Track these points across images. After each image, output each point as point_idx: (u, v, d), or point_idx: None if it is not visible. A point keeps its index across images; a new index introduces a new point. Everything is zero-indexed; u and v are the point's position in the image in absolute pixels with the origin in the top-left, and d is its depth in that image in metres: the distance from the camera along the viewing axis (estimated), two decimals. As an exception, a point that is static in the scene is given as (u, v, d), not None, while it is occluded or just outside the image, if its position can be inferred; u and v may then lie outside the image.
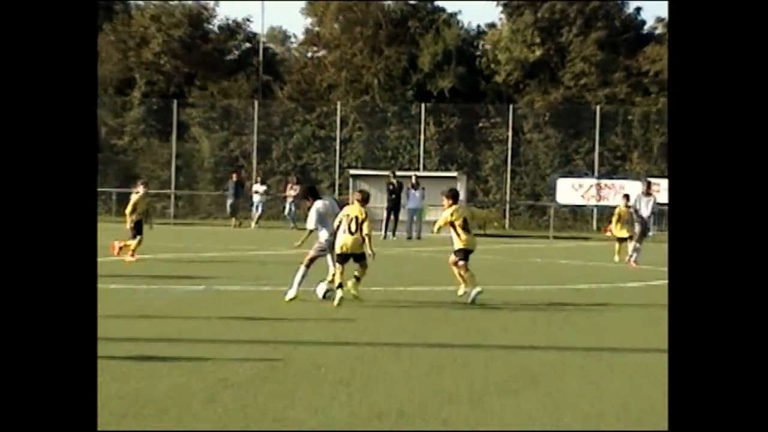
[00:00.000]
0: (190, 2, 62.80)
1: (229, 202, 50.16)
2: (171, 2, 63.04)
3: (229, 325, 14.32)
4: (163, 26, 60.92)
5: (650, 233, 31.03)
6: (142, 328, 13.87)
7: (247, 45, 64.97)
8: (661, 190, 42.28)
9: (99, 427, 8.05)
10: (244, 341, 12.89)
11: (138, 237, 24.68)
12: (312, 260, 17.53)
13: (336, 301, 16.60)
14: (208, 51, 62.02)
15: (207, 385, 9.84)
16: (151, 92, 59.96)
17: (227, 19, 66.00)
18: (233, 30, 64.51)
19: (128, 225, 24.74)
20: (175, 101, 57.09)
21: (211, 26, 64.04)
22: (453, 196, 18.54)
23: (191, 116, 58.25)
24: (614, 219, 30.58)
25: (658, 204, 31.39)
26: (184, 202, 57.79)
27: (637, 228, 28.94)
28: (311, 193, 18.40)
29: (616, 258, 29.40)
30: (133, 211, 24.83)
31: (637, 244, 28.69)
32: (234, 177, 50.34)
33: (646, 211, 29.30)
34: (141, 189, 25.32)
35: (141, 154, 58.59)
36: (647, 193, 30.04)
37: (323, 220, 17.73)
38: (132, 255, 24.43)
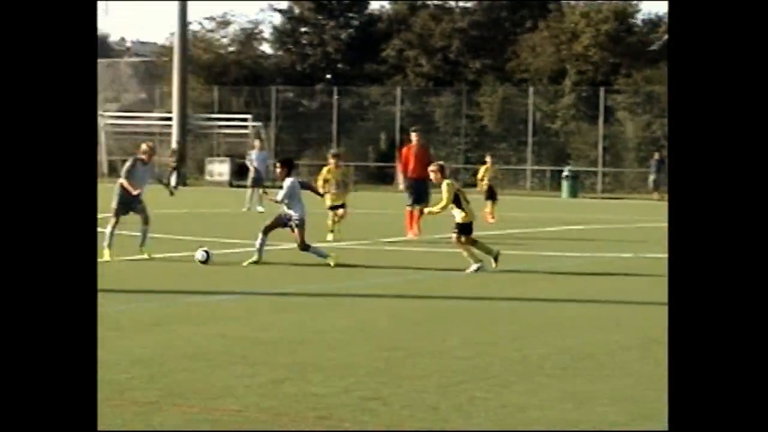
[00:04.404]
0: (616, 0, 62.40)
1: (651, 178, 50.57)
2: (599, 0, 62.83)
3: (651, 287, 14.13)
4: (592, 22, 60.81)
5: None
6: (567, 289, 13.94)
7: (669, 36, 63.94)
8: None
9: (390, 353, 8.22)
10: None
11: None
12: None
13: None
14: (632, 42, 61.45)
15: (639, 342, 9.76)
16: (581, 81, 60.09)
17: (650, 14, 65.16)
18: (655, 23, 63.56)
19: (321, 191, 21.11)
20: (602, 89, 57.09)
21: (635, 20, 63.38)
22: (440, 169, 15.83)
23: (617, 101, 58.06)
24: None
25: None
26: (610, 179, 57.74)
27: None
28: None
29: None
30: (326, 181, 22.58)
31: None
32: (656, 156, 50.52)
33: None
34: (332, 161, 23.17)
35: (571, 136, 59.07)
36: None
37: None
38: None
